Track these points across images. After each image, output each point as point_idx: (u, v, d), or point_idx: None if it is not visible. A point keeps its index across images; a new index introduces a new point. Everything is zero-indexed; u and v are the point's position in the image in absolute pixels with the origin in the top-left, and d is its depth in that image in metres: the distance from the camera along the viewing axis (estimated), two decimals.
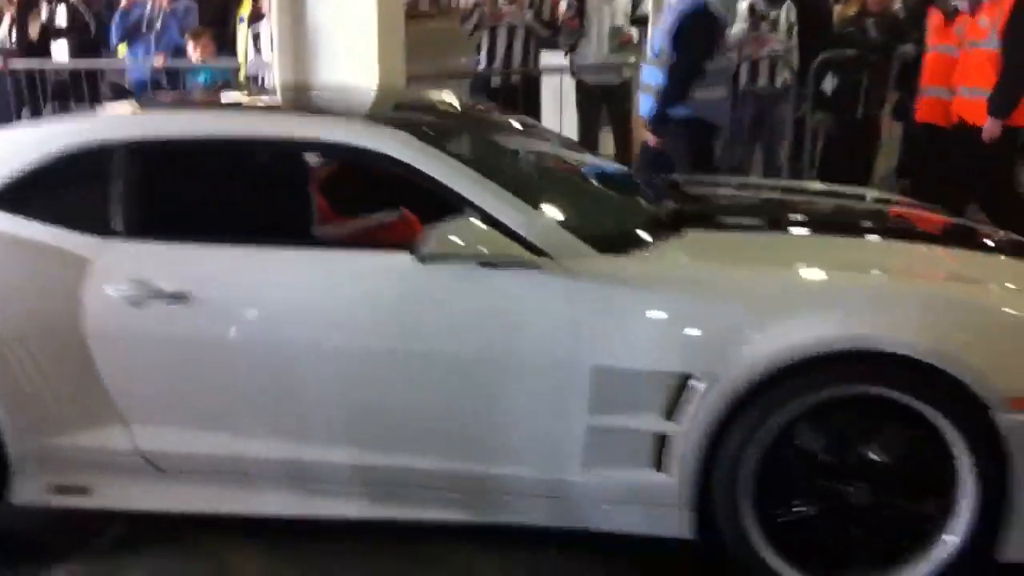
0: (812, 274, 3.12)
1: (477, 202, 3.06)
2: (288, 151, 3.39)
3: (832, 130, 7.14)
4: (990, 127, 5.61)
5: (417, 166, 3.12)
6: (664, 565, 3.20)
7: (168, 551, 3.28)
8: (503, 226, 3.01)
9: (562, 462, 3.00)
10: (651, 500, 3.00)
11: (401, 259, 2.99)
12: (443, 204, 3.07)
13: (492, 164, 3.46)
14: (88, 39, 8.10)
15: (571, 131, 8.76)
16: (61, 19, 8.17)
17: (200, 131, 3.39)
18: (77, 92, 7.32)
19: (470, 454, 3.07)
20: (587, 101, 7.34)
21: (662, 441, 2.94)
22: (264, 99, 4.43)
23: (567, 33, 7.50)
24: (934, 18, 6.38)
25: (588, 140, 7.37)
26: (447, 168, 3.13)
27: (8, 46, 7.85)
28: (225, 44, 7.51)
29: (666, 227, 3.34)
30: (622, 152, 7.27)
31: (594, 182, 3.94)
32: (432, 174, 3.11)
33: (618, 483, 3.00)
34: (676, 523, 3.01)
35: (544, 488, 3.06)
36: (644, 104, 5.86)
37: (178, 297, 3.08)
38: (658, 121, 5.60)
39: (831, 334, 2.83)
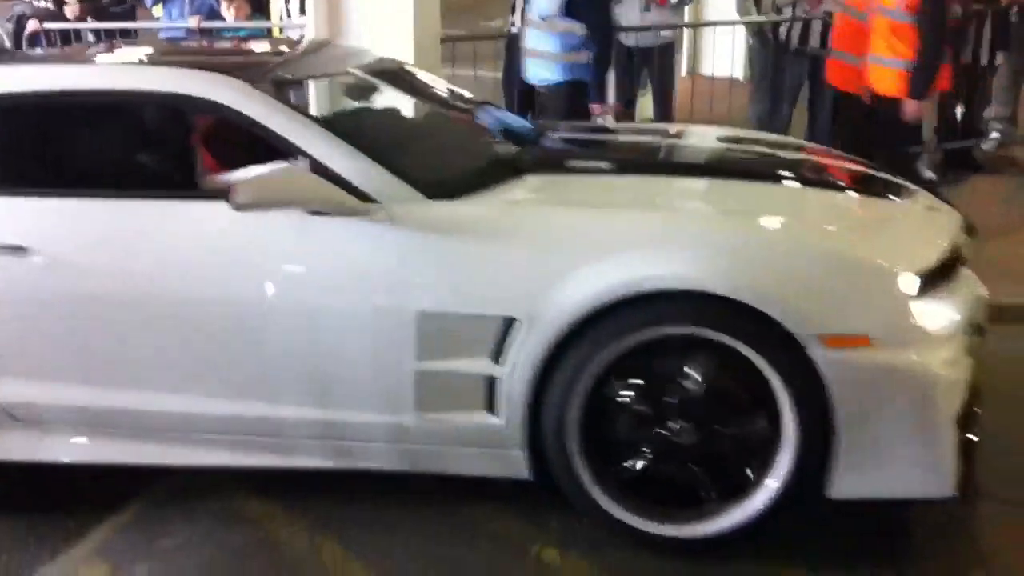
0: (632, 216, 3.09)
1: (306, 149, 3.08)
2: (127, 102, 3.42)
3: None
4: (912, 109, 5.53)
5: (247, 113, 3.14)
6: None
7: (208, 517, 3.28)
8: (331, 173, 3.02)
9: (398, 407, 3.04)
10: (486, 442, 3.04)
11: (226, 207, 2.94)
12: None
13: (342, 115, 3.63)
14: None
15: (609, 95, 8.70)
16: None
17: (39, 85, 3.39)
18: None
19: (316, 401, 3.10)
20: (626, 62, 7.16)
21: (492, 384, 2.96)
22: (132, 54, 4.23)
23: None
24: None
25: (627, 101, 7.21)
26: (277, 116, 3.14)
27: (43, 5, 7.83)
28: (261, 6, 7.46)
29: (509, 172, 3.32)
30: (663, 115, 7.11)
31: (450, 129, 3.97)
32: (262, 121, 3.13)
33: (453, 426, 3.04)
34: (513, 465, 3.05)
35: (386, 433, 3.09)
36: (532, 70, 5.76)
37: (15, 249, 3.09)
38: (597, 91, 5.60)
39: (642, 274, 2.83)
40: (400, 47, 5.88)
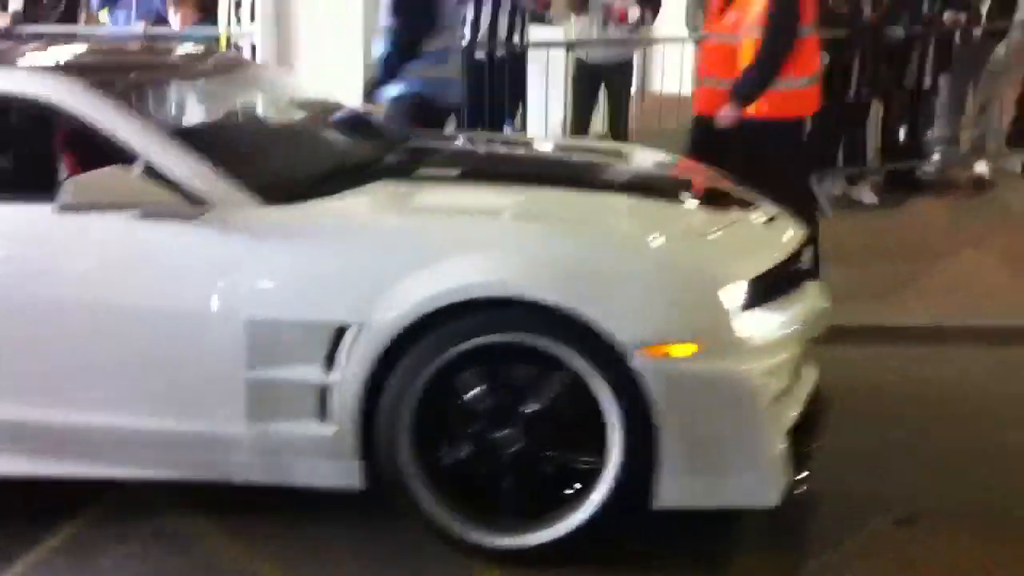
0: (460, 223, 3.11)
1: (140, 151, 3.06)
2: None
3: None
4: (730, 113, 4.99)
5: (82, 116, 3.12)
6: None
7: (142, 537, 3.20)
8: (165, 176, 3.01)
9: (229, 416, 2.99)
10: (319, 452, 3.00)
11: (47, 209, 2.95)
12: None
13: (191, 119, 3.63)
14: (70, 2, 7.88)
15: (558, 110, 8.71)
16: None
17: None
18: None
19: (143, 409, 3.05)
20: (585, 79, 7.13)
21: (324, 392, 2.94)
22: None
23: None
24: (713, 2, 5.60)
25: (582, 120, 7.20)
26: (112, 117, 3.12)
27: None
28: (209, 12, 7.34)
29: (356, 179, 3.31)
30: (618, 132, 7.10)
31: (305, 134, 4.00)
32: (97, 123, 3.11)
33: (285, 436, 3.00)
34: (346, 474, 3.01)
35: (217, 443, 3.04)
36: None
37: None
38: (367, 97, 5.14)
39: (466, 282, 2.84)
40: (350, 55, 5.84)
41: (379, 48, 5.10)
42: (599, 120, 7.67)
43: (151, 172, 3.02)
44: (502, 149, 4.35)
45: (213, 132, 3.64)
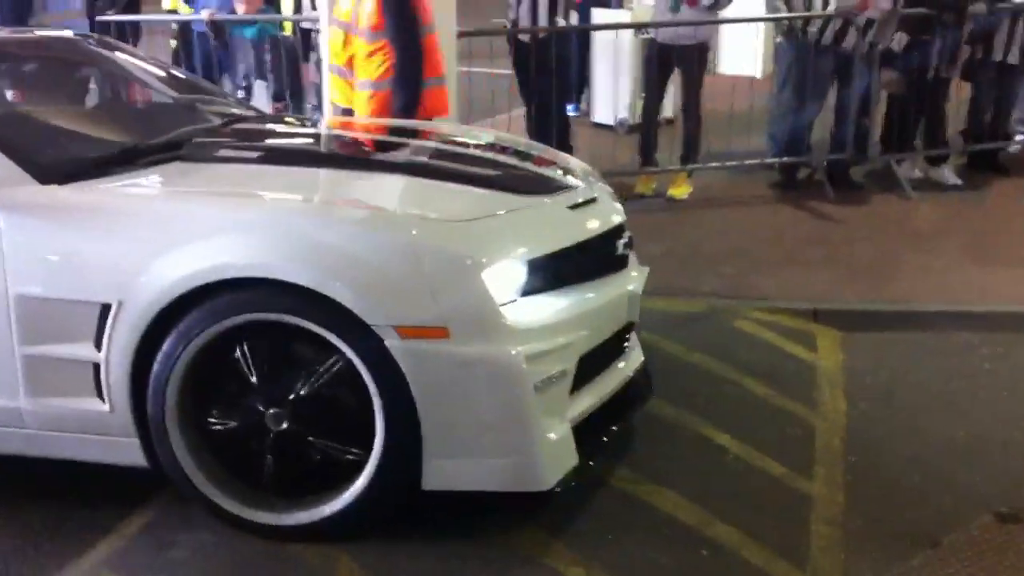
0: (222, 203, 3.07)
1: None
2: None
3: (900, 89, 6.90)
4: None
5: None
6: None
7: (218, 526, 3.14)
8: None
9: (10, 391, 3.05)
10: (99, 429, 3.04)
11: None
12: None
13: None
14: None
15: (625, 92, 8.56)
16: None
17: None
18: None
19: None
20: (656, 61, 6.95)
21: (97, 369, 2.96)
22: None
23: None
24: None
25: (652, 102, 7.04)
26: None
27: None
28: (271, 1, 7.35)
29: (151, 159, 3.33)
30: (689, 114, 6.92)
31: (114, 113, 4.03)
32: None
33: (65, 412, 3.04)
34: (128, 452, 3.04)
35: (6, 418, 3.08)
36: None
37: None
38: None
39: (220, 261, 2.84)
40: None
41: None
42: (670, 102, 7.50)
43: None
44: (317, 130, 4.32)
45: (12, 113, 3.72)
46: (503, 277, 2.90)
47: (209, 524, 3.07)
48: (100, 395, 3.00)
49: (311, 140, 4.19)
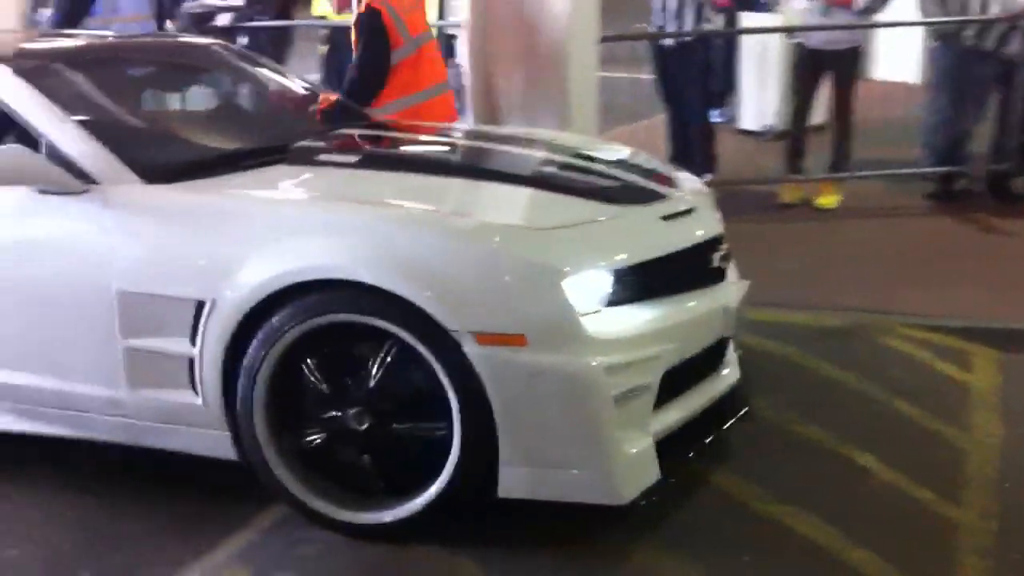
0: (310, 207, 3.21)
1: (41, 130, 3.30)
2: None
3: None
4: None
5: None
6: None
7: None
8: (61, 154, 3.23)
9: (113, 381, 3.19)
10: (193, 421, 3.15)
11: None
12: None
13: (106, 100, 3.76)
14: None
15: (773, 98, 8.34)
16: None
17: None
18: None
19: (45, 370, 3.29)
20: (806, 66, 6.73)
21: (192, 363, 3.07)
22: None
23: None
24: None
25: (801, 108, 6.83)
26: (20, 98, 3.38)
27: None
28: None
29: (257, 162, 3.47)
30: (840, 120, 6.68)
31: (227, 116, 4.20)
32: (10, 107, 3.37)
33: (162, 403, 3.16)
34: (220, 445, 3.13)
35: (105, 406, 3.24)
36: None
37: None
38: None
39: (304, 263, 2.93)
40: (555, 46, 5.71)
41: None
42: (820, 108, 7.25)
43: (52, 149, 3.26)
44: (427, 137, 4.29)
45: (123, 115, 3.84)
46: (585, 286, 2.90)
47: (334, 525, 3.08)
48: (194, 389, 3.10)
49: (412, 146, 4.20)
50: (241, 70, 4.50)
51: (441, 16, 7.26)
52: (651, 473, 2.95)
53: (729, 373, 3.48)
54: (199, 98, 4.35)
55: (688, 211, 3.39)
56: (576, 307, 2.85)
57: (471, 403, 2.83)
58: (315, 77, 8.04)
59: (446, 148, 4.20)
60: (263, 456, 3.06)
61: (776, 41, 8.14)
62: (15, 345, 3.34)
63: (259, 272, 2.95)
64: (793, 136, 6.82)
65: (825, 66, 6.61)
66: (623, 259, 3.02)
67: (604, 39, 5.87)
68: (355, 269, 2.88)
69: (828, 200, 6.60)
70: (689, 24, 6.75)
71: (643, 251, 3.08)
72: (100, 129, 3.37)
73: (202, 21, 7.14)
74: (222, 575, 2.97)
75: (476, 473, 2.89)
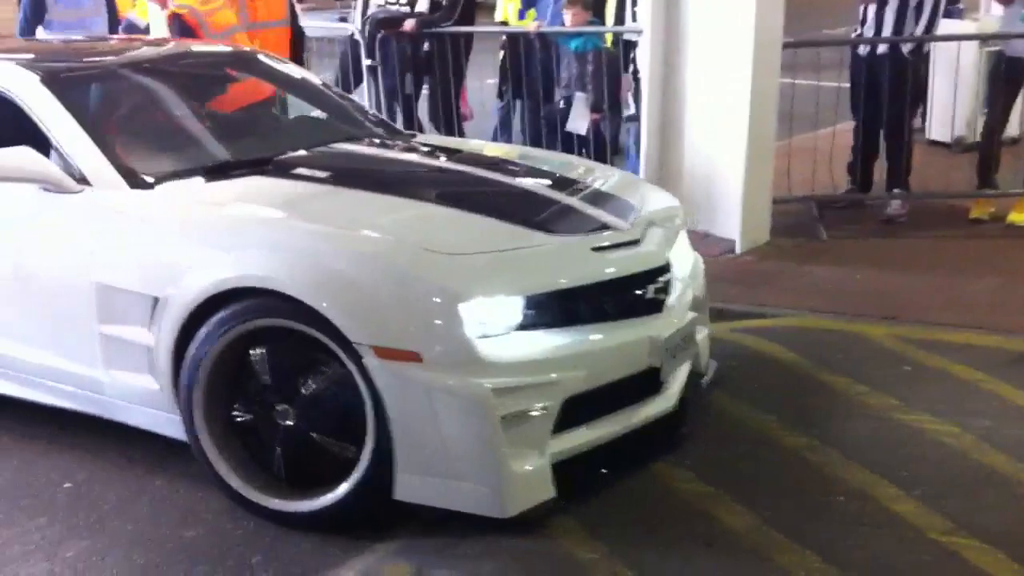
0: (254, 219, 3.44)
1: (52, 135, 3.74)
2: None
3: None
4: None
5: (22, 104, 3.80)
6: None
7: (507, 526, 3.17)
8: (66, 157, 3.67)
9: (94, 362, 3.60)
10: (151, 403, 3.52)
11: None
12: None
13: (119, 107, 4.26)
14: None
15: (965, 108, 7.94)
16: None
17: None
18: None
19: (45, 348, 3.73)
20: (1005, 75, 6.36)
21: (151, 352, 3.43)
22: None
23: None
24: None
25: (998, 120, 6.46)
26: (38, 105, 3.79)
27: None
28: (599, 11, 7.43)
29: (237, 172, 3.77)
30: None
31: (223, 125, 4.40)
32: (29, 111, 3.79)
33: (129, 385, 3.55)
34: (174, 426, 3.46)
35: (89, 383, 3.65)
36: None
37: None
38: None
39: (235, 273, 3.22)
40: (738, 52, 5.61)
41: None
42: (1016, 119, 6.85)
43: (60, 153, 3.70)
44: (419, 158, 4.35)
45: (129, 124, 4.19)
46: (487, 311, 3.06)
47: (500, 524, 3.10)
48: (153, 374, 3.45)
49: (394, 165, 4.23)
50: (270, 79, 4.87)
51: (619, 21, 7.21)
52: (543, 491, 3.11)
53: (662, 401, 3.51)
54: (211, 107, 4.58)
55: (631, 243, 3.49)
56: (471, 330, 3.02)
57: (379, 410, 3.04)
58: (491, 82, 8.18)
59: (424, 169, 4.24)
60: (200, 444, 3.36)
61: (970, 48, 7.74)
62: (20, 323, 3.77)
63: (204, 276, 3.26)
64: (985, 148, 6.47)
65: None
66: (535, 286, 3.16)
67: (787, 45, 5.70)
68: (279, 280, 3.14)
69: (1021, 217, 6.23)
70: (890, 32, 6.47)
71: (560, 279, 3.23)
72: (100, 136, 3.74)
73: (388, 26, 7.35)
74: (383, 570, 3.04)
75: (382, 475, 3.09)
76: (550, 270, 3.27)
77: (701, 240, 5.50)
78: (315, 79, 5.07)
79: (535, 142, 7.21)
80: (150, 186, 3.60)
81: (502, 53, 7.81)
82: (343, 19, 9.30)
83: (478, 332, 3.03)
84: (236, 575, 3.07)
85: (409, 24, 7.21)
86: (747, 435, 3.71)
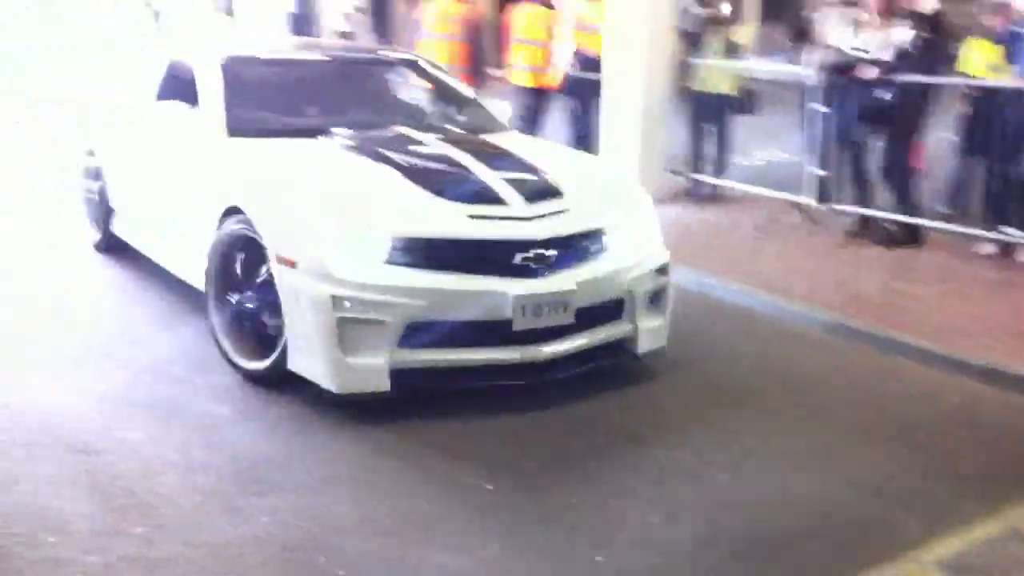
0: (264, 165, 4.96)
1: (201, 94, 5.51)
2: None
3: None
4: None
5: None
6: None
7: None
8: (203, 110, 5.45)
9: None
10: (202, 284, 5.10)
11: None
12: None
13: (261, 85, 5.82)
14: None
15: None
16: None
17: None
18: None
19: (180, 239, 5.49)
20: None
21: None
22: None
23: None
24: None
25: None
26: (209, 77, 5.52)
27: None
28: None
29: (311, 133, 5.25)
30: None
31: (328, 100, 5.94)
32: (202, 79, 5.58)
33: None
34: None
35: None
36: None
37: None
38: None
39: (237, 197, 4.75)
40: None
41: None
42: None
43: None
44: (433, 139, 5.33)
45: (257, 95, 5.59)
46: (359, 241, 4.22)
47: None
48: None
49: (403, 143, 5.21)
50: (405, 76, 6.41)
51: None
52: (377, 383, 4.21)
53: (509, 351, 4.35)
54: (332, 87, 6.02)
55: (517, 219, 4.40)
56: (332, 251, 4.19)
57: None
58: (947, 135, 7.73)
59: (422, 147, 5.17)
60: (209, 320, 4.86)
61: None
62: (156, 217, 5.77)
63: (227, 196, 4.76)
64: None
65: None
66: (402, 231, 4.24)
67: None
68: (245, 204, 4.63)
69: None
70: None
71: (424, 230, 4.28)
72: (229, 99, 5.29)
73: (839, 71, 7.27)
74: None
75: (286, 349, 4.42)
76: (422, 221, 4.30)
77: None
78: (450, 81, 6.48)
79: (998, 202, 6.82)
80: (244, 136, 5.14)
81: (965, 108, 7.38)
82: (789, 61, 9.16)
83: (342, 254, 4.17)
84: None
85: (868, 72, 7.08)
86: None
